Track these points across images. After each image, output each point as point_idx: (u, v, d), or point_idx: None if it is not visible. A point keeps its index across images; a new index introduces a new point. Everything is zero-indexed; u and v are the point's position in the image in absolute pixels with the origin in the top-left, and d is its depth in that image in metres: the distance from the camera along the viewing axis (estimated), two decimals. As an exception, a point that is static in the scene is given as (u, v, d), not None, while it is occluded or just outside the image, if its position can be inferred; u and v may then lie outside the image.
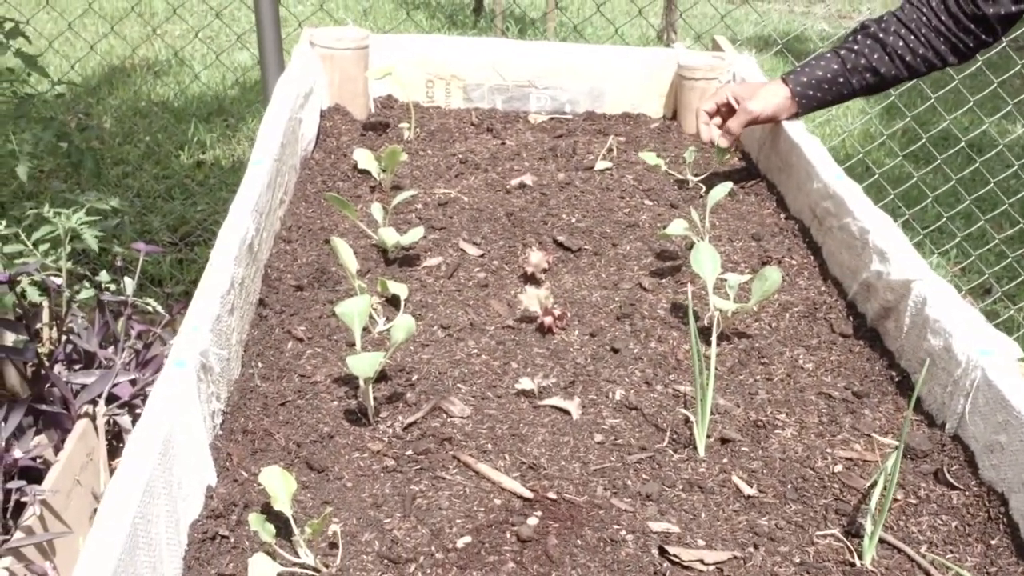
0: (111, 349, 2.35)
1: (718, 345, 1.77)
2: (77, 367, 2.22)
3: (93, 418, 1.93)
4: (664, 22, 7.25)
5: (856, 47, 2.19)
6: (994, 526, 1.38)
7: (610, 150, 2.49)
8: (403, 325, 1.55)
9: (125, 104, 5.74)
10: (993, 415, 1.43)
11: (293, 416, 1.57)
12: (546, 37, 7.35)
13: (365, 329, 1.77)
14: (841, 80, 2.21)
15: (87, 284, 2.74)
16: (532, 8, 8.30)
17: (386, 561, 1.32)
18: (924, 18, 2.15)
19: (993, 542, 1.36)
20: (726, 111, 2.36)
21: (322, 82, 2.56)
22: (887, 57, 2.17)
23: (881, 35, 2.17)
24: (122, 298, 2.33)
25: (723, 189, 2.03)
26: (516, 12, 8.36)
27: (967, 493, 1.44)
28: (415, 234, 1.97)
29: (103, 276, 2.79)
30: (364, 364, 1.51)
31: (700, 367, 1.51)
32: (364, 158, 2.31)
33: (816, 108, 2.29)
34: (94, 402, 1.97)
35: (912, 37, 2.15)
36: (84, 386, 2.05)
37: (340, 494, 1.44)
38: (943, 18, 2.14)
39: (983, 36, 2.14)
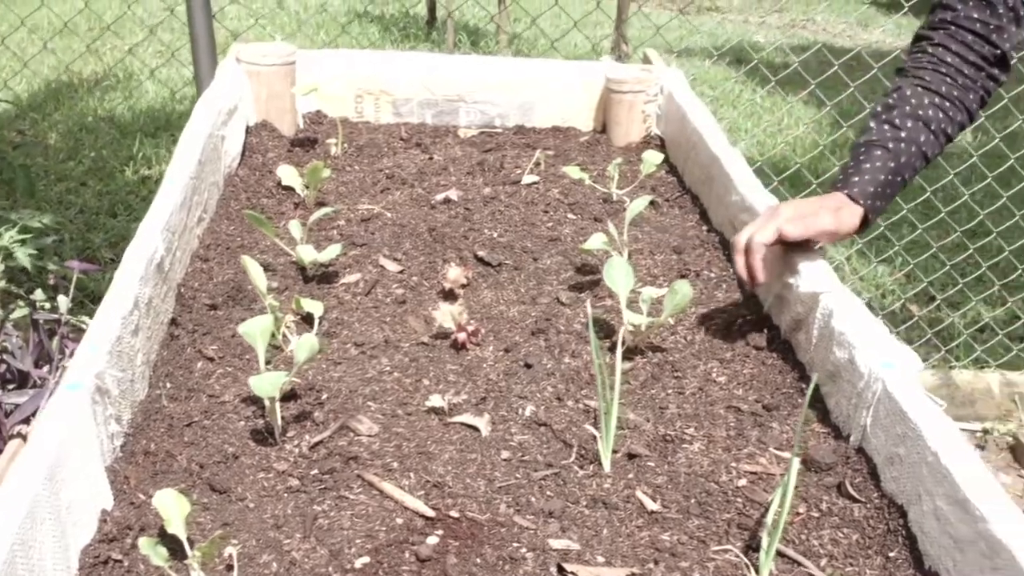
0: (45, 368, 2.33)
1: (632, 359, 1.77)
2: (11, 387, 2.21)
3: (25, 438, 1.91)
4: (616, 34, 7.27)
5: (903, 134, 1.85)
6: (893, 538, 1.39)
7: (537, 164, 2.49)
8: (305, 344, 1.54)
9: (71, 119, 5.70)
10: (893, 427, 1.43)
11: (198, 437, 1.56)
12: (499, 49, 7.36)
13: (278, 348, 1.76)
14: (899, 179, 1.85)
15: (21, 303, 2.71)
16: (485, 21, 8.31)
17: (282, 583, 1.31)
18: (950, 79, 1.88)
19: (892, 554, 1.36)
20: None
21: (248, 98, 2.55)
22: (933, 136, 1.86)
23: (921, 112, 1.86)
24: (56, 316, 2.32)
25: (641, 203, 2.04)
26: (469, 24, 8.37)
27: (868, 506, 1.44)
28: (333, 251, 1.97)
29: (38, 295, 2.76)
30: (266, 384, 1.50)
31: (605, 383, 1.51)
32: (288, 175, 2.31)
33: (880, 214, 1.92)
34: (27, 421, 1.95)
35: (948, 104, 1.87)
36: (17, 406, 2.03)
37: (241, 515, 1.42)
38: (967, 72, 1.87)
39: (1002, 76, 1.91)
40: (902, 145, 1.83)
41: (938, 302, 4.35)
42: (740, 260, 1.80)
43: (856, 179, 1.82)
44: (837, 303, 1.64)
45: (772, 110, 6.84)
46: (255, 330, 1.59)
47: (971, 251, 4.27)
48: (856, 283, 4.59)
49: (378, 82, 2.69)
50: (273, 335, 1.70)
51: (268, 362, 1.69)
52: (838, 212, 1.79)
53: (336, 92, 2.68)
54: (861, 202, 1.81)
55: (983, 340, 4.27)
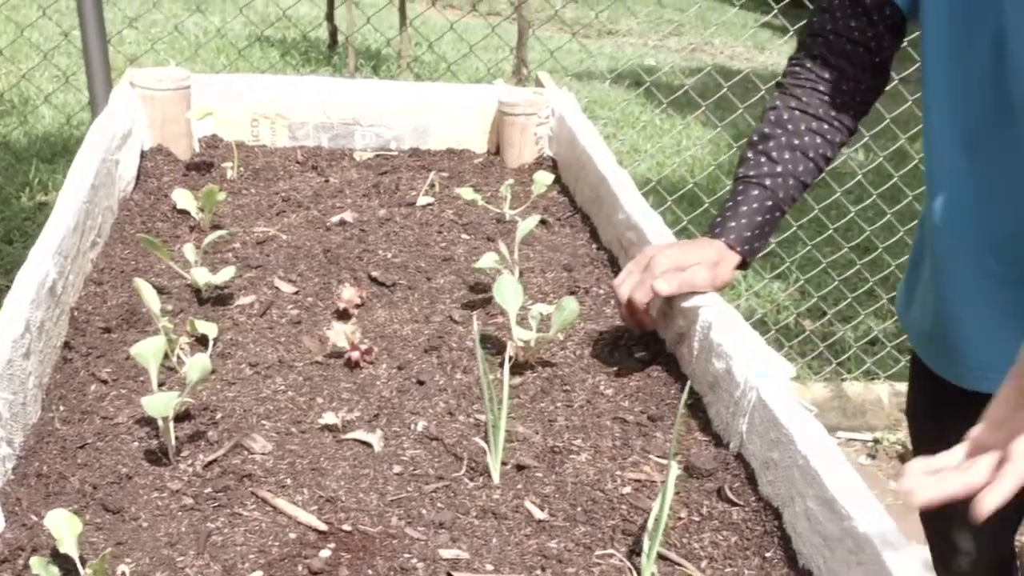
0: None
1: (523, 374, 1.82)
2: None
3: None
4: (515, 57, 7.36)
5: (779, 168, 1.86)
6: (769, 539, 1.45)
7: (432, 186, 2.53)
8: (197, 364, 1.56)
9: (-36, 146, 5.62)
10: (767, 433, 1.50)
11: (91, 458, 1.57)
12: (400, 73, 7.40)
13: (172, 369, 1.78)
14: (777, 214, 1.87)
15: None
16: (385, 45, 8.35)
17: (176, 600, 1.33)
18: (828, 97, 1.89)
19: (768, 554, 1.43)
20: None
21: (143, 123, 2.56)
22: (812, 164, 1.88)
23: (798, 141, 1.87)
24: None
25: (532, 222, 2.09)
26: (371, 48, 8.41)
27: (746, 509, 1.51)
28: (227, 273, 1.99)
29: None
30: (159, 404, 1.52)
31: (493, 397, 1.56)
32: (183, 198, 2.32)
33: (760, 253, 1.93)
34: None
35: (826, 127, 1.88)
36: None
37: (135, 534, 1.44)
38: (846, 87, 1.89)
39: (881, 86, 1.94)
40: (779, 180, 1.85)
41: (829, 316, 4.48)
42: (624, 313, 1.86)
43: (733, 224, 1.85)
44: (716, 316, 1.71)
45: (670, 131, 6.97)
46: (147, 351, 1.61)
47: (859, 266, 4.41)
48: (752, 299, 4.70)
49: (274, 106, 2.72)
50: (167, 357, 1.72)
51: (162, 383, 1.71)
52: (715, 267, 1.81)
53: (232, 116, 2.70)
54: (738, 249, 1.84)
55: (873, 353, 4.41)
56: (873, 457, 4.04)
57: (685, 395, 1.49)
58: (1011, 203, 1.73)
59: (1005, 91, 1.67)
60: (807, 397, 3.95)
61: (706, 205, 4.44)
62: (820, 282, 4.64)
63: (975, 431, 1.22)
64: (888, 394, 4.18)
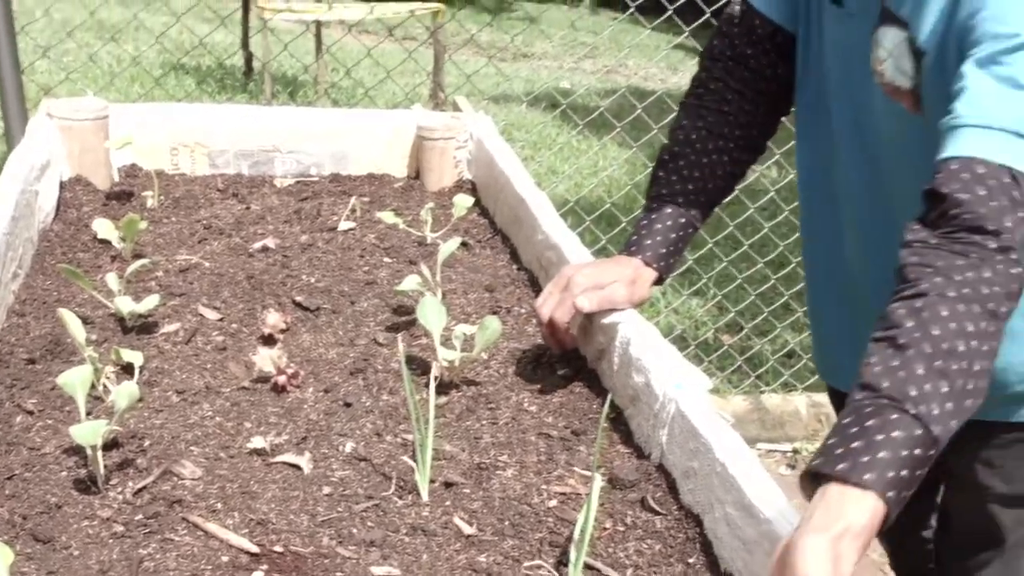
0: None
1: (447, 394, 1.85)
2: None
3: None
4: (432, 82, 7.41)
5: (691, 186, 1.92)
6: (692, 546, 1.50)
7: (353, 210, 2.56)
8: (125, 392, 1.58)
9: None
10: (687, 443, 1.55)
11: (20, 489, 1.57)
12: (317, 99, 7.41)
13: (99, 399, 1.79)
14: (691, 231, 1.93)
15: None
16: (301, 71, 8.35)
17: (109, 626, 1.35)
18: (732, 117, 1.96)
19: (691, 560, 1.47)
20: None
21: (61, 153, 2.56)
22: (721, 182, 1.96)
23: (706, 160, 1.93)
24: None
25: (452, 245, 2.13)
26: (287, 75, 8.40)
27: (669, 517, 1.55)
28: (151, 301, 2.00)
29: None
30: (87, 432, 1.53)
31: (419, 417, 1.59)
32: (104, 228, 2.32)
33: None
34: None
35: (732, 146, 1.95)
36: None
37: (66, 563, 1.45)
38: (748, 108, 1.97)
39: (783, 110, 2.03)
40: (691, 197, 1.90)
41: (746, 331, 4.56)
42: (545, 333, 1.91)
43: (648, 242, 1.89)
44: (634, 332, 1.76)
45: (587, 151, 7.06)
46: (74, 380, 1.61)
47: (774, 280, 4.50)
48: (671, 315, 4.78)
49: (193, 134, 2.73)
50: (93, 386, 1.72)
51: (89, 412, 1.71)
52: (632, 285, 1.85)
53: (151, 145, 2.70)
54: (655, 266, 1.88)
55: (790, 365, 4.50)
56: (793, 467, 4.13)
57: (606, 409, 1.53)
58: (854, 229, 1.88)
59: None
60: (727, 410, 4.03)
61: (624, 224, 4.51)
62: (737, 297, 4.73)
63: None
64: (806, 405, 4.28)
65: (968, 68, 1.44)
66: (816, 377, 4.38)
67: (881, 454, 1.20)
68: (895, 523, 1.23)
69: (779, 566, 1.19)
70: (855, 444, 1.22)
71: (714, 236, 4.49)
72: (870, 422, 1.24)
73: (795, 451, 4.20)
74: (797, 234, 4.47)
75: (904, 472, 1.21)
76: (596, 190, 6.16)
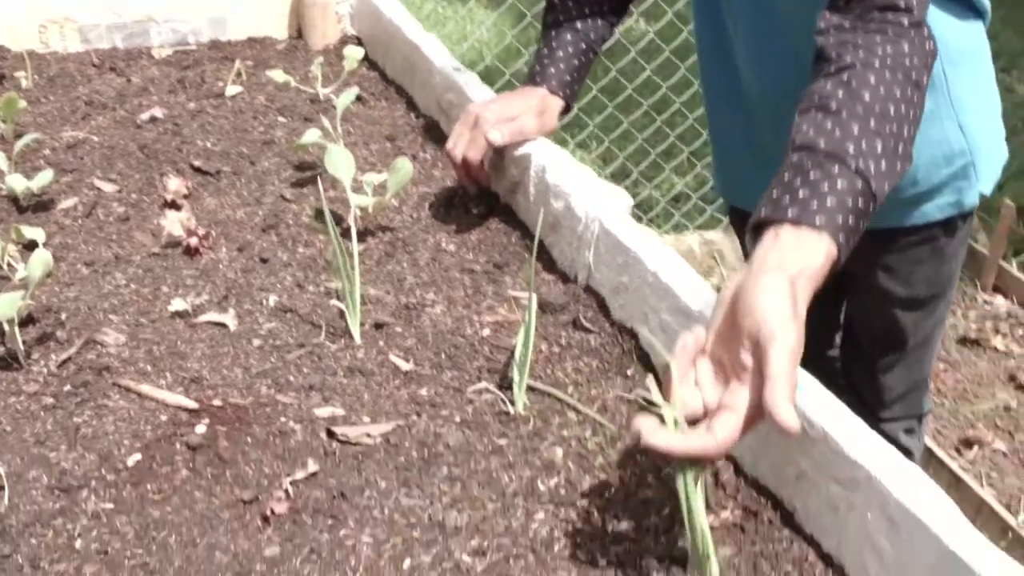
0: None
1: (363, 241, 1.83)
2: None
3: None
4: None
5: (587, 9, 1.93)
6: (628, 358, 1.52)
7: (239, 74, 2.49)
8: (38, 261, 1.53)
9: None
10: (614, 259, 1.56)
11: (-62, 373, 1.52)
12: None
13: (6, 278, 1.73)
14: (592, 55, 1.94)
15: None
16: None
17: (57, 492, 1.32)
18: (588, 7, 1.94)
19: (630, 372, 1.50)
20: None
21: (-78, 38, 2.43)
22: (607, 20, 1.95)
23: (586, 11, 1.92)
24: None
25: (349, 97, 2.08)
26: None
27: (602, 334, 1.57)
28: (44, 177, 1.92)
29: None
30: (2, 306, 1.48)
31: (344, 262, 1.57)
32: (-20, 111, 2.22)
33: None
34: None
35: (601, 22, 1.95)
36: None
37: (1, 439, 1.41)
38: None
39: None
40: (588, 22, 1.90)
41: (635, 176, 4.60)
42: (460, 174, 1.89)
43: (552, 70, 1.88)
44: (549, 159, 1.75)
45: (453, 17, 6.95)
46: (-18, 255, 1.55)
47: (659, 123, 4.53)
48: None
49: (60, 9, 2.61)
50: (-2, 265, 1.67)
51: (-3, 292, 1.66)
52: (541, 115, 1.85)
53: (16, 23, 2.58)
54: (561, 94, 1.88)
55: (679, 207, 4.56)
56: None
57: (539, 229, 1.52)
58: (740, 37, 1.86)
59: None
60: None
61: (505, 79, 4.47)
62: (621, 145, 4.75)
63: (708, 345, 1.21)
64: (698, 243, 4.35)
65: None
66: (705, 216, 4.46)
67: (829, 201, 1.20)
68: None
69: (731, 311, 1.18)
70: (802, 193, 1.22)
71: (596, 83, 4.48)
72: (813, 175, 1.23)
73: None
74: (678, 75, 4.51)
75: (851, 220, 1.21)
76: (468, 55, 6.08)
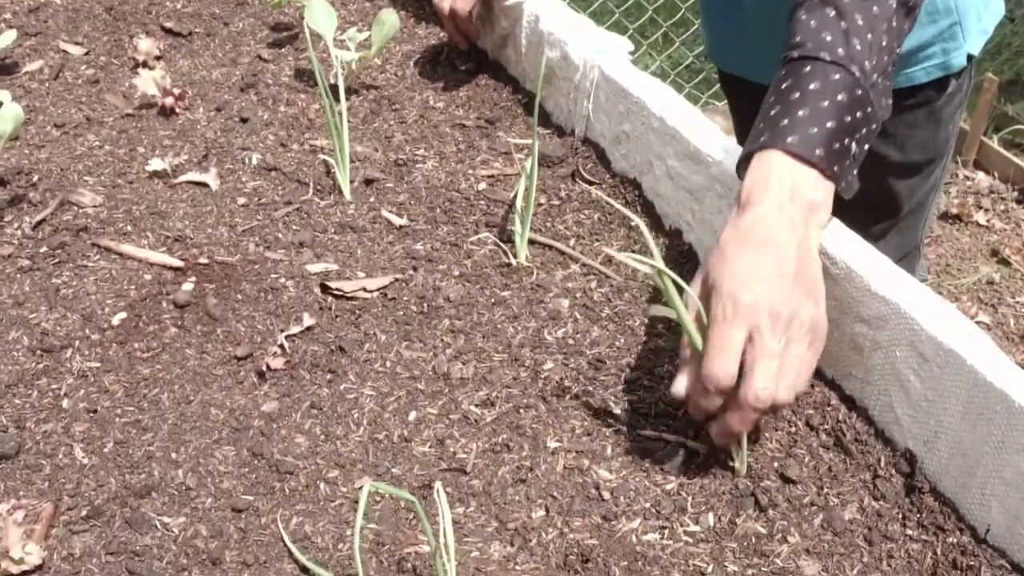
0: None
1: (349, 99, 1.75)
2: None
3: None
4: None
5: None
6: (632, 209, 1.46)
7: (206, -64, 2.37)
8: (9, 115, 1.44)
9: None
10: (615, 107, 1.49)
11: (-95, 236, 1.44)
12: None
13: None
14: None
15: None
16: None
17: (39, 352, 1.26)
18: None
19: (633, 224, 1.43)
20: None
21: None
22: None
23: None
24: None
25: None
26: None
27: (604, 186, 1.51)
28: (7, 38, 1.82)
29: None
30: (-27, 162, 1.40)
31: (331, 118, 1.49)
32: (-66, -26, 2.10)
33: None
34: None
35: None
36: None
37: (-25, 301, 1.34)
38: None
39: None
40: None
41: (644, 48, 4.47)
42: (450, 27, 1.81)
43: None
44: (541, 7, 1.66)
45: None
46: (-57, 112, 1.47)
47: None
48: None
49: None
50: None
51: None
52: None
53: None
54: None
55: (690, 78, 4.45)
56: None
57: (541, 75, 1.44)
58: None
59: None
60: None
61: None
62: (638, 15, 4.60)
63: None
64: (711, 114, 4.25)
65: None
66: (717, 87, 4.36)
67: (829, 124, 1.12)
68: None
69: (718, 260, 1.08)
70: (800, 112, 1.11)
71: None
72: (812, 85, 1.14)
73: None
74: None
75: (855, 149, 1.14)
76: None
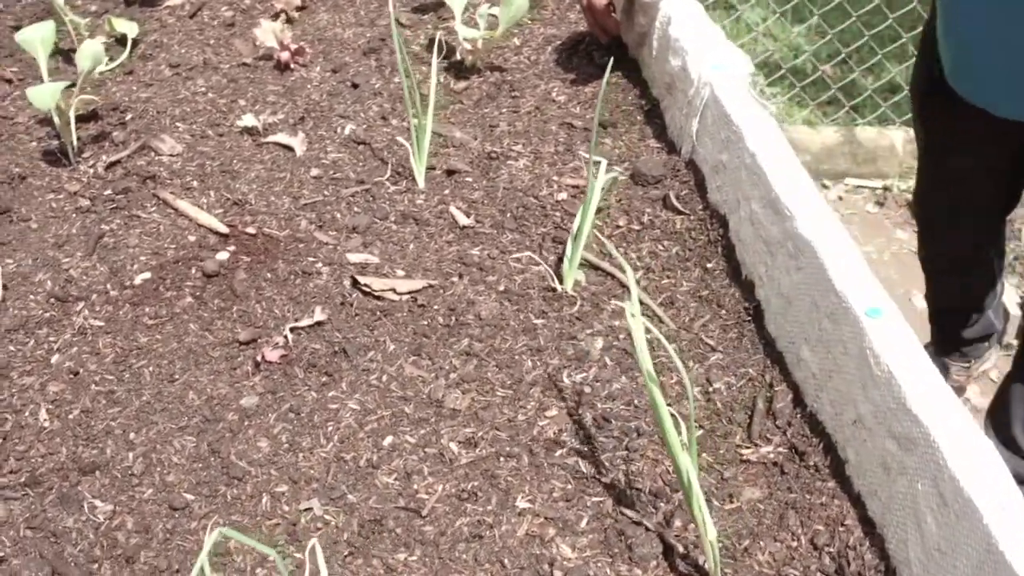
0: None
1: (468, 79, 1.66)
2: None
3: None
4: None
5: None
6: (713, 249, 1.31)
7: None
8: (88, 52, 1.41)
9: None
10: (719, 133, 1.34)
11: (-17, 158, 1.44)
12: None
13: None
14: None
15: None
16: None
17: (53, 300, 1.22)
18: None
19: (710, 265, 1.29)
20: None
21: None
22: None
23: None
24: None
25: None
26: None
27: (692, 217, 1.36)
28: (152, -31, 1.81)
29: None
30: (45, 95, 1.37)
31: (417, 98, 1.41)
32: None
33: None
34: None
35: None
36: None
37: (21, 235, 1.33)
38: None
39: None
40: None
41: (844, 55, 4.23)
42: (589, 18, 1.70)
43: None
44: (676, 9, 1.52)
45: None
46: (35, 37, 1.46)
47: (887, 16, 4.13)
48: (766, 40, 4.45)
49: None
50: (73, 52, 1.56)
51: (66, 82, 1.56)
52: None
53: None
54: None
55: (890, 98, 4.18)
56: (881, 205, 3.87)
57: (601, 93, 1.31)
58: None
59: None
60: (816, 141, 3.77)
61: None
62: (839, 22, 4.36)
63: None
64: (903, 141, 3.97)
65: None
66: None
67: None
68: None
69: None
70: None
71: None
72: None
73: (885, 188, 3.93)
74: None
75: None
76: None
